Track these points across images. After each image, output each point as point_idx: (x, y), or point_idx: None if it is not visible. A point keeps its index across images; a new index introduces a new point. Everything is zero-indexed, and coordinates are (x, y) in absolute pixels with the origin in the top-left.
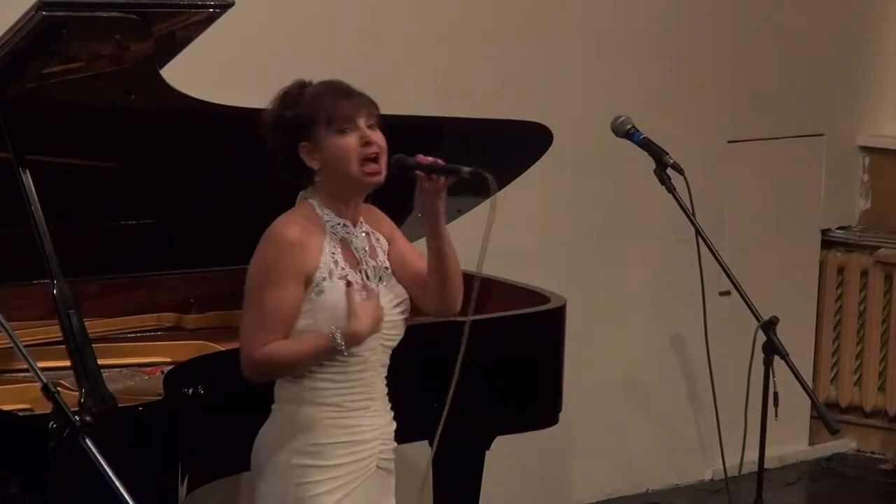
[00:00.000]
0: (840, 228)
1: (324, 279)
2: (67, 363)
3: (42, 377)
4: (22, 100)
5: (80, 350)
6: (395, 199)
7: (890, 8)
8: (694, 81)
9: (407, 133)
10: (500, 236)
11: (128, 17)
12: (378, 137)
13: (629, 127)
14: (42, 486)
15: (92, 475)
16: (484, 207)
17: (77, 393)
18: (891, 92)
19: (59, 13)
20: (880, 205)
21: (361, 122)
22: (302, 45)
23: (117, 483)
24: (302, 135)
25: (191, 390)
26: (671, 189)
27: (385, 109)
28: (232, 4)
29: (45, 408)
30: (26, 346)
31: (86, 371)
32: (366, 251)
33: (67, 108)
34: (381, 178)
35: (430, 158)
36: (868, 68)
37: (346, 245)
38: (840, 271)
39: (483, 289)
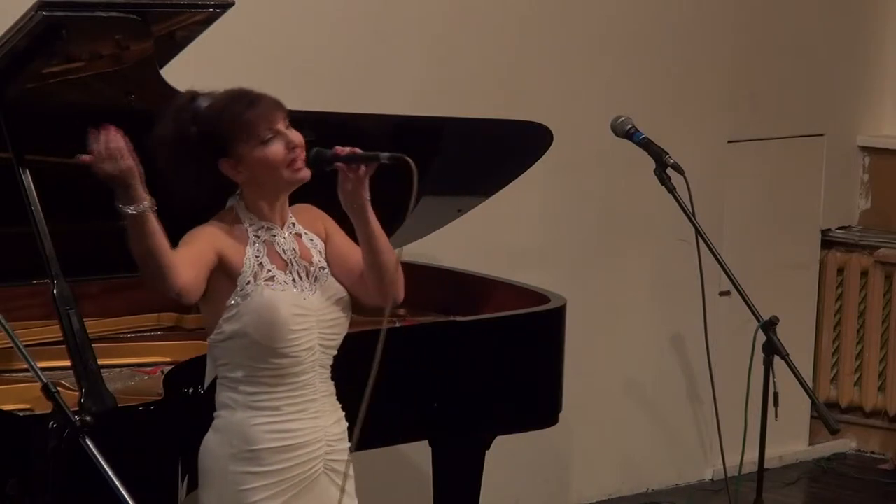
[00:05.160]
0: (840, 228)
1: (248, 283)
2: (67, 363)
3: (42, 377)
4: (22, 100)
5: (80, 350)
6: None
7: (890, 8)
8: (694, 81)
9: (407, 133)
10: (501, 236)
11: (128, 17)
12: (297, 136)
13: (629, 127)
14: (42, 486)
15: (92, 475)
16: (486, 207)
17: (77, 393)
18: (891, 92)
19: (59, 13)
20: (880, 205)
21: (280, 126)
22: (302, 46)
23: (117, 483)
24: (220, 152)
25: (191, 390)
26: (671, 189)
27: (385, 109)
28: (232, 4)
29: (45, 408)
30: (26, 346)
31: (86, 371)
32: (295, 252)
33: (67, 108)
34: (308, 173)
35: (347, 148)
36: (868, 68)
37: (271, 247)
38: (840, 271)
39: (483, 289)
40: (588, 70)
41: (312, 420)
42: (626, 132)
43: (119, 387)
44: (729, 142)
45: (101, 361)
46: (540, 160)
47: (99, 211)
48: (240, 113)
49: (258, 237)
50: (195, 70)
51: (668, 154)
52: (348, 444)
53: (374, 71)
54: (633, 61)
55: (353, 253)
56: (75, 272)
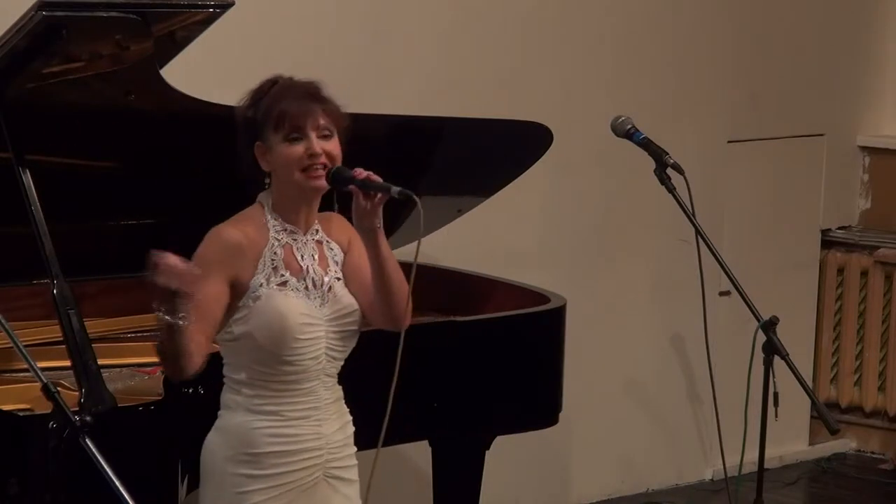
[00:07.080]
0: (840, 228)
1: (261, 285)
2: (67, 363)
3: (42, 377)
4: (22, 100)
5: (80, 350)
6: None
7: (890, 8)
8: (694, 81)
9: (407, 133)
10: (501, 236)
11: (128, 17)
12: (330, 147)
13: (629, 127)
14: (42, 486)
15: (92, 475)
16: (486, 207)
17: (77, 393)
18: (891, 92)
19: (59, 13)
20: (880, 205)
21: (311, 132)
22: (302, 46)
23: (117, 483)
24: (257, 135)
25: (191, 390)
26: (671, 189)
27: (386, 109)
28: (232, 4)
29: (45, 408)
30: (26, 346)
31: (86, 371)
32: (313, 259)
33: (67, 108)
34: (323, 183)
35: (365, 172)
36: (868, 68)
37: (290, 251)
38: (840, 271)
39: (483, 289)
40: (588, 70)
41: (314, 427)
42: (626, 132)
43: (119, 387)
44: (729, 142)
45: (101, 361)
46: (540, 160)
47: (99, 211)
48: (281, 104)
49: (278, 240)
50: (195, 70)
51: (668, 154)
52: (353, 450)
53: (374, 71)
54: (633, 61)
55: (369, 272)
56: (75, 272)
